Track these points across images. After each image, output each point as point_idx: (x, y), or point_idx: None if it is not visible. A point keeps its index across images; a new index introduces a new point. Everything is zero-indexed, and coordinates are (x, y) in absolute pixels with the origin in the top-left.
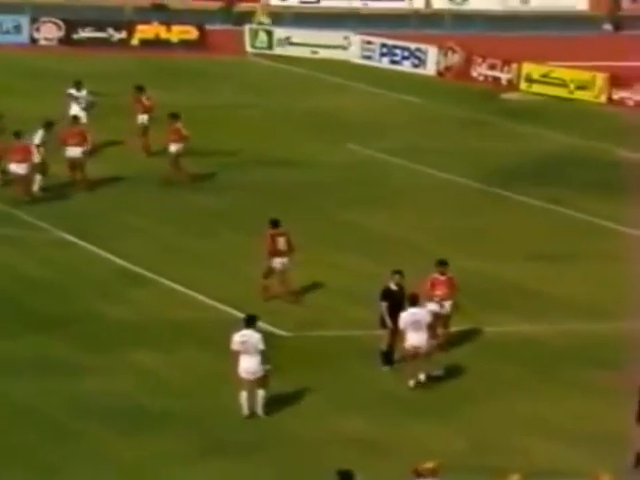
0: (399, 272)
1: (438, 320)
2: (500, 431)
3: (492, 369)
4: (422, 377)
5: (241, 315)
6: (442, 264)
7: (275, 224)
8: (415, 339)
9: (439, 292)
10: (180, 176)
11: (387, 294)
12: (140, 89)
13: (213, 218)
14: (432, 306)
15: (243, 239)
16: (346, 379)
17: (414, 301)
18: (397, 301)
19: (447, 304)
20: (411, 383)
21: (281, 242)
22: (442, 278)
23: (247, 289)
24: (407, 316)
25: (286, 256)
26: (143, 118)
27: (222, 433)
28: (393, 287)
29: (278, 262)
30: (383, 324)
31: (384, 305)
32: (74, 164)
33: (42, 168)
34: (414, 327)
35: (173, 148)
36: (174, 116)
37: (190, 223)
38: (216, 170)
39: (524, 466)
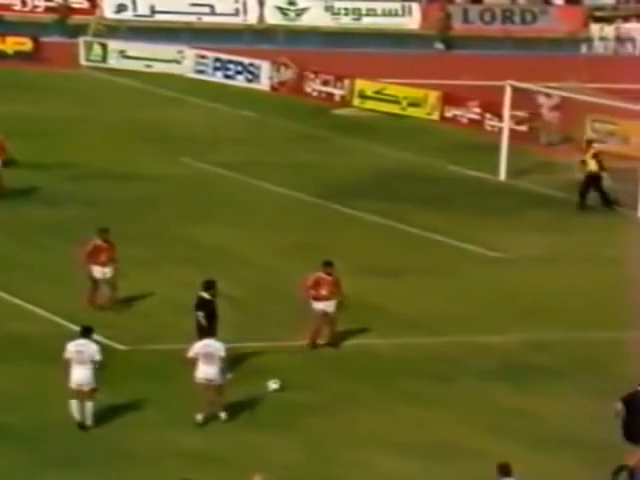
0: (212, 282)
1: (325, 320)
2: (338, 443)
3: (332, 382)
4: (223, 415)
5: (78, 328)
6: (328, 265)
7: (104, 232)
8: (206, 371)
9: (324, 292)
10: None
11: (201, 304)
12: None
13: (49, 231)
14: (319, 305)
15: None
16: (181, 393)
17: (211, 333)
18: (211, 310)
19: (332, 303)
20: (199, 418)
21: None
22: (328, 278)
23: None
24: (199, 347)
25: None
26: None
27: (58, 447)
28: (207, 297)
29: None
30: (201, 334)
31: (200, 315)
32: None
33: None
34: (206, 359)
35: None
36: None
37: (26, 236)
38: (51, 183)
39: (362, 478)
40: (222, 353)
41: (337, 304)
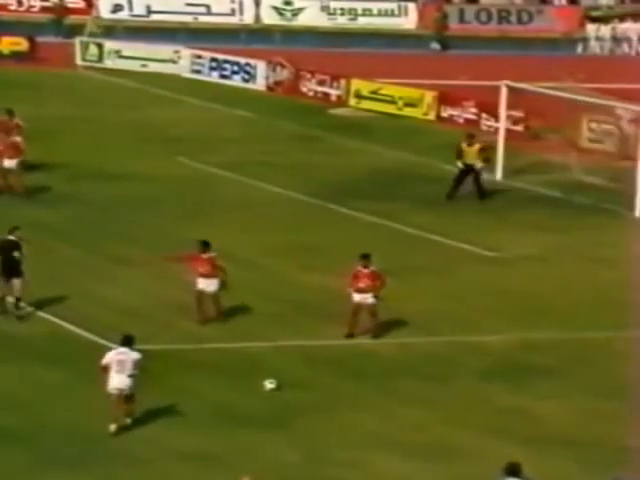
0: (16, 227)
1: (362, 311)
2: (335, 443)
3: (328, 382)
4: (128, 421)
5: (75, 329)
6: (365, 257)
7: (205, 245)
8: (118, 381)
9: (362, 284)
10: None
11: (13, 245)
12: None
13: (47, 231)
14: (356, 297)
15: (78, 253)
16: (177, 392)
17: (127, 342)
18: (6, 253)
19: (369, 295)
20: (112, 428)
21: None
22: (365, 271)
23: (83, 303)
24: (113, 355)
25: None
26: None
27: (56, 448)
28: (14, 239)
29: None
30: (10, 272)
31: (17, 255)
32: None
33: None
34: (118, 368)
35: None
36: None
37: (23, 236)
38: (47, 183)
39: (358, 478)
40: (136, 355)
41: (373, 296)
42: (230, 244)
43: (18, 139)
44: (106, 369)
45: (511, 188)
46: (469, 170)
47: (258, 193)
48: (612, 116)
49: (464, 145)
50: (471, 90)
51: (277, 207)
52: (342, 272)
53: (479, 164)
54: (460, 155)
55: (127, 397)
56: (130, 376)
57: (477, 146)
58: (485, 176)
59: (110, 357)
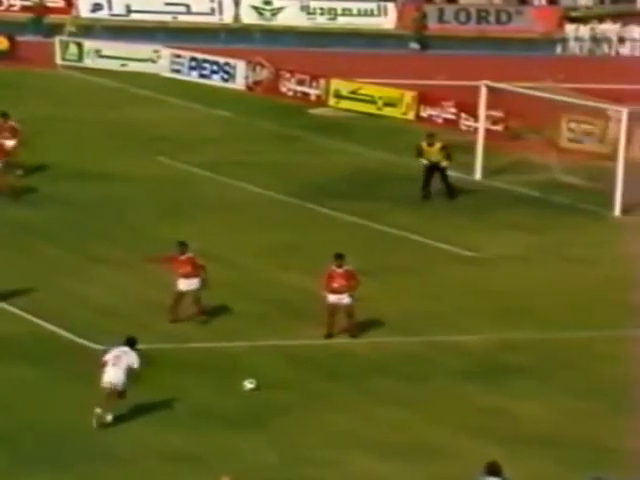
0: None
1: (339, 311)
2: (312, 443)
3: (305, 382)
4: (109, 418)
5: (55, 329)
6: (338, 257)
7: (183, 246)
8: (113, 374)
9: (336, 284)
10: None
11: None
12: None
13: (27, 231)
14: (331, 297)
15: (59, 253)
16: (158, 392)
17: (129, 343)
18: None
19: (345, 295)
20: (98, 410)
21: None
22: (339, 271)
23: (63, 303)
24: (112, 352)
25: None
26: None
27: (38, 448)
28: None
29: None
30: None
31: None
32: None
33: None
34: (114, 361)
35: None
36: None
37: (5, 236)
38: (29, 184)
39: (336, 478)
40: (134, 356)
41: (349, 296)
42: (210, 244)
43: (10, 143)
44: (104, 365)
45: (490, 188)
46: (434, 167)
47: (238, 193)
48: (603, 117)
49: (424, 145)
50: (450, 90)
51: (257, 207)
52: (322, 272)
53: (444, 162)
54: (420, 154)
55: (119, 393)
56: (125, 373)
57: (438, 145)
58: (464, 176)
59: (109, 354)
